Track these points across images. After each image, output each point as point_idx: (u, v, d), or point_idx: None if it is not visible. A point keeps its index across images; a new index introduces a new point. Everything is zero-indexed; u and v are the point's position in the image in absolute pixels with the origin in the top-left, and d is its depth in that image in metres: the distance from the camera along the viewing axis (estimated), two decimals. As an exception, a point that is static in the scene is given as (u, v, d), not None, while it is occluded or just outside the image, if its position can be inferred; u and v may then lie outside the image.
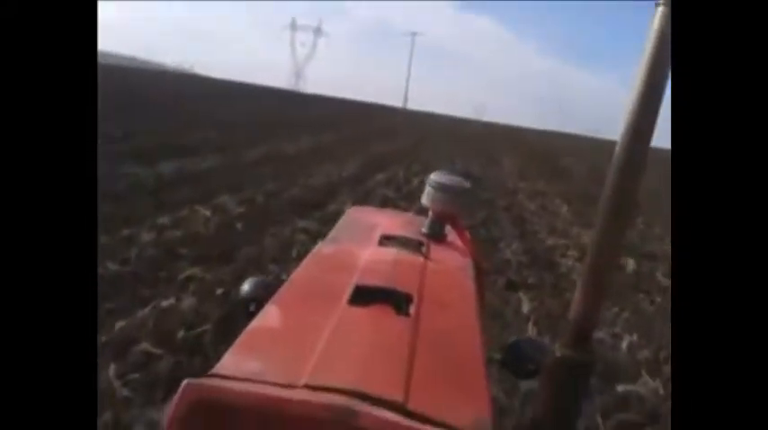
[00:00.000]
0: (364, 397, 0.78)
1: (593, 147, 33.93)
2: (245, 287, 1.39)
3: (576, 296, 1.00)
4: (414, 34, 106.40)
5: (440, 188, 1.53)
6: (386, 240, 1.50)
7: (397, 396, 0.81)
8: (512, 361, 1.27)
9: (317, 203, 6.87)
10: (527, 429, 1.23)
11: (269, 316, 1.04)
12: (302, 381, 0.80)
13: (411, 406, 0.80)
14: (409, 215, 1.95)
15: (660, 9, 0.86)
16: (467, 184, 1.57)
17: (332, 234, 1.59)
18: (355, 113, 35.76)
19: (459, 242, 1.62)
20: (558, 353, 1.01)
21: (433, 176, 1.56)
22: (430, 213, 1.59)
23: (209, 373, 0.78)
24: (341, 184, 8.45)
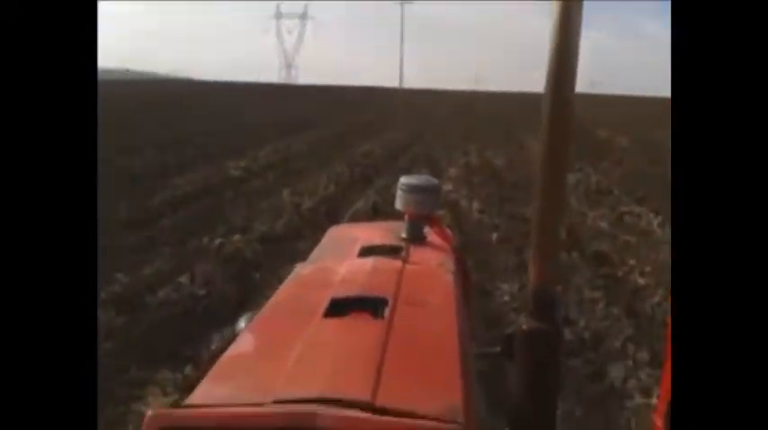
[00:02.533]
0: (329, 401, 0.81)
1: (612, 106, 30.09)
2: (241, 323, 1.38)
3: (530, 266, 0.96)
4: (402, 2, 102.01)
5: (411, 190, 1.56)
6: (365, 251, 1.52)
7: (364, 396, 0.84)
8: (509, 350, 1.19)
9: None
10: (508, 405, 1.03)
11: (243, 341, 1.09)
12: (271, 398, 0.83)
13: (379, 403, 0.83)
14: (391, 223, 1.84)
15: None
16: (435, 181, 1.61)
17: (312, 255, 1.62)
18: (342, 103, 32.14)
19: (439, 240, 1.63)
20: (524, 327, 0.99)
21: (403, 179, 1.59)
22: (406, 217, 1.61)
23: (178, 405, 0.83)
24: (284, 238, 5.08)
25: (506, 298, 3.95)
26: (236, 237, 4.91)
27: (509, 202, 6.86)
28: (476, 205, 6.60)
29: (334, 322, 1.09)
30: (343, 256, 1.49)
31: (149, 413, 0.77)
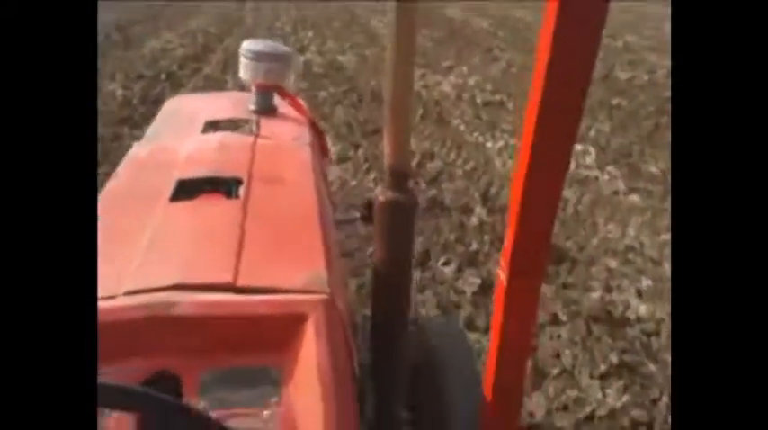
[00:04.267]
0: (188, 287, 0.79)
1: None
2: None
3: (385, 141, 0.97)
4: None
5: (257, 57, 1.43)
6: (210, 126, 1.42)
7: (225, 277, 0.83)
8: (369, 215, 1.22)
9: None
10: (372, 273, 1.06)
11: None
12: (122, 290, 0.80)
13: (241, 283, 0.82)
14: (236, 93, 1.76)
15: None
16: (284, 48, 1.49)
17: (148, 132, 1.47)
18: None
19: (292, 112, 1.54)
20: (381, 198, 1.00)
21: (246, 45, 1.45)
22: (252, 88, 1.50)
23: None
24: None
25: None
26: None
27: (379, 134, 4.62)
28: (332, 148, 4.25)
29: (182, 206, 1.02)
30: (185, 133, 1.36)
31: None
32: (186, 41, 7.96)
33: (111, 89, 5.41)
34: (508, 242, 0.89)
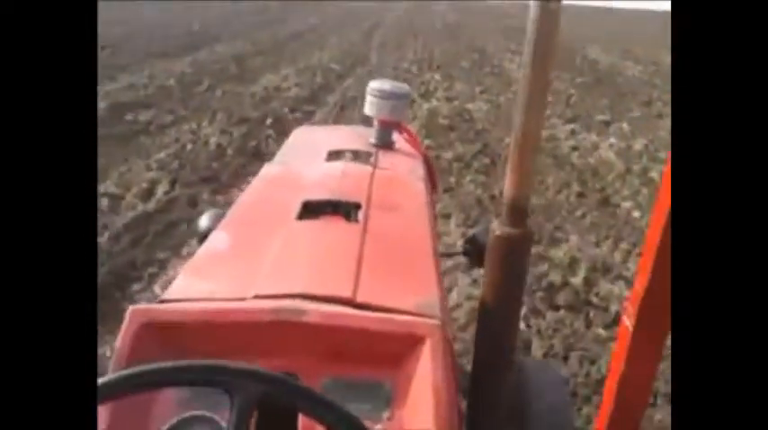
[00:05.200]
0: (312, 297, 0.84)
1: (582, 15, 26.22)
2: (203, 220, 1.38)
3: (508, 174, 0.99)
4: None
5: (382, 95, 1.54)
6: (333, 155, 1.50)
7: (346, 292, 0.87)
8: (472, 251, 1.36)
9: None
10: (479, 306, 1.05)
11: (217, 239, 1.07)
12: (251, 294, 0.85)
13: (359, 299, 0.87)
14: (357, 128, 1.87)
15: None
16: (406, 87, 1.60)
17: (278, 156, 1.58)
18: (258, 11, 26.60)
19: (408, 147, 1.64)
20: (497, 232, 1.01)
21: (373, 84, 1.57)
22: (375, 122, 1.61)
23: (157, 300, 0.84)
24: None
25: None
26: None
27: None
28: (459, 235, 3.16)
29: (307, 224, 1.09)
30: (311, 159, 1.46)
31: (130, 308, 0.76)
32: (304, 79, 7.35)
33: (206, 134, 4.75)
34: (637, 289, 0.89)
